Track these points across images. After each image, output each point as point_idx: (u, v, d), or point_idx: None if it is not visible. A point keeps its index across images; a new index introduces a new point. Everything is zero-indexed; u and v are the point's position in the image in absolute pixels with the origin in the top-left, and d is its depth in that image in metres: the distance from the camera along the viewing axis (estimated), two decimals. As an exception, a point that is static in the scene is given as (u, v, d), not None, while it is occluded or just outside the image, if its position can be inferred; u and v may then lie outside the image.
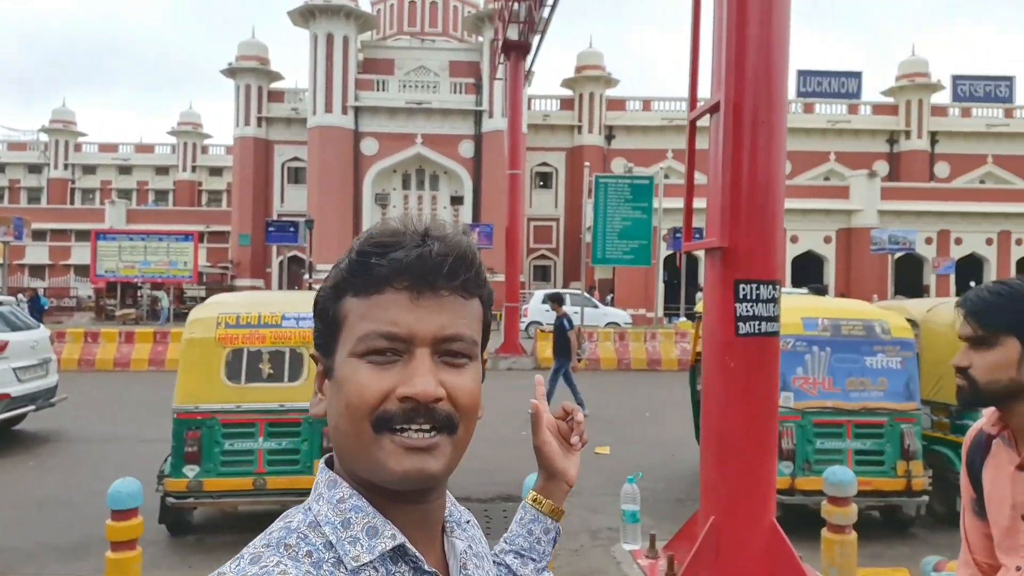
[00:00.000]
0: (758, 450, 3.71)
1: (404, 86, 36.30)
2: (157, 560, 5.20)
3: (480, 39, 36.87)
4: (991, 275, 33.19)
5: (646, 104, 40.10)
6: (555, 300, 11.40)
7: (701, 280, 31.27)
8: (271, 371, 5.91)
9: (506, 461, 7.70)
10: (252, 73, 37.47)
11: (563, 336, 10.85)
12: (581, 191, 32.99)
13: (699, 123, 4.46)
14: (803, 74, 38.13)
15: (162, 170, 52.43)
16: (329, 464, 0.79)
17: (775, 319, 3.90)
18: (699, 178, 5.70)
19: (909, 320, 6.48)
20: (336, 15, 34.78)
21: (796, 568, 3.57)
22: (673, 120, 38.99)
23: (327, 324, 0.77)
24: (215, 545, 5.71)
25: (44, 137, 51.31)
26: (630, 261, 17.69)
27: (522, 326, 21.04)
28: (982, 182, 39.03)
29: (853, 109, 40.13)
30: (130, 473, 4.59)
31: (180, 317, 25.21)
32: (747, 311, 3.82)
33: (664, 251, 27.00)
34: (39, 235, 36.36)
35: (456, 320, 0.75)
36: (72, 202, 49.14)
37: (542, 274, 39.15)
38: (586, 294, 22.23)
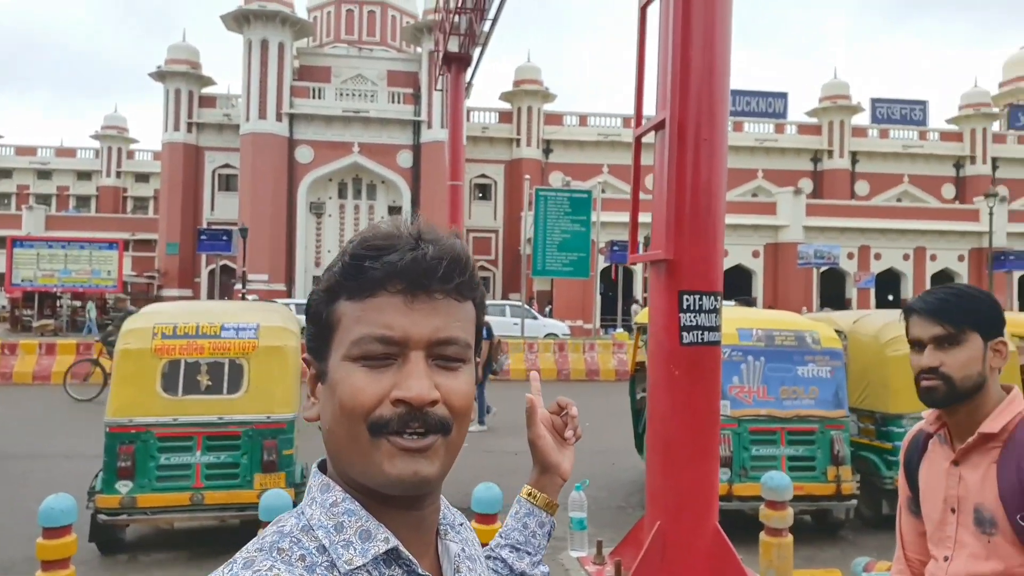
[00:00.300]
0: (702, 456, 3.83)
1: (341, 94, 35.91)
2: (88, 580, 5.00)
3: (419, 50, 36.81)
4: (908, 289, 34.93)
5: (583, 119, 40.72)
6: None
7: (636, 292, 31.90)
8: (210, 383, 5.77)
9: (452, 472, 7.67)
10: (182, 77, 36.43)
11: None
12: (520, 203, 33.27)
13: (644, 139, 4.59)
14: (733, 93, 39.33)
15: (84, 175, 50.34)
16: (322, 468, 0.79)
17: (717, 329, 4.04)
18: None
19: (837, 331, 6.78)
20: (271, 21, 34.20)
21: (738, 570, 3.70)
22: (608, 136, 39.72)
23: (320, 328, 0.77)
24: (149, 563, 5.52)
25: (-46, 139, 48.72)
26: (570, 273, 17.94)
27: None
28: (899, 200, 41.04)
29: (779, 128, 41.65)
30: (56, 490, 4.41)
31: (104, 329, 24.16)
32: (691, 321, 3.95)
33: (601, 264, 27.44)
34: (-52, 241, 34.39)
35: (450, 323, 0.75)
36: (-15, 207, 46.71)
37: (481, 285, 39.10)
38: (526, 305, 22.40)
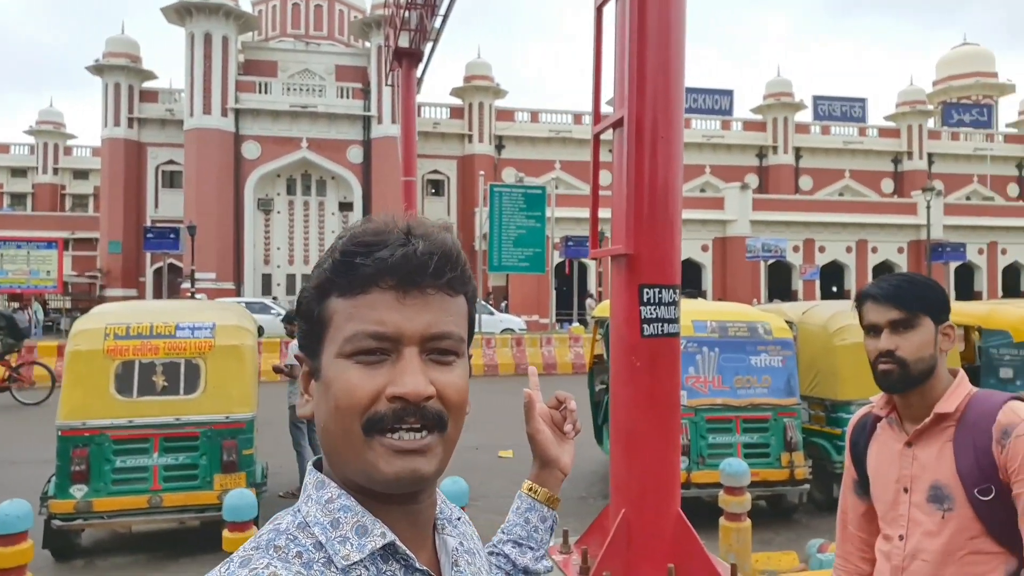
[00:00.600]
0: (663, 444, 3.92)
1: (288, 89, 35.32)
2: (43, 588, 4.88)
3: (368, 44, 36.42)
4: (851, 280, 36.04)
5: (534, 116, 40.86)
6: None
7: (590, 287, 32.20)
8: (166, 383, 5.68)
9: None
10: (122, 71, 35.33)
11: None
12: (473, 199, 33.20)
13: (602, 136, 4.67)
14: (681, 90, 39.94)
15: (19, 172, 48.39)
16: (318, 466, 0.79)
17: (676, 321, 4.14)
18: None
19: (787, 322, 7.00)
20: (214, 14, 33.42)
21: (701, 554, 3.81)
22: (560, 132, 39.95)
23: (312, 325, 0.76)
24: (106, 568, 5.41)
25: None
26: (525, 268, 18.05)
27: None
28: (841, 195, 42.27)
29: (726, 125, 42.48)
30: (3, 497, 4.29)
31: (47, 330, 23.52)
32: (651, 314, 4.04)
33: (556, 259, 27.63)
34: None
35: (443, 318, 0.75)
36: (-88, 206, 44.60)
37: (434, 282, 38.94)
38: (482, 301, 22.43)
